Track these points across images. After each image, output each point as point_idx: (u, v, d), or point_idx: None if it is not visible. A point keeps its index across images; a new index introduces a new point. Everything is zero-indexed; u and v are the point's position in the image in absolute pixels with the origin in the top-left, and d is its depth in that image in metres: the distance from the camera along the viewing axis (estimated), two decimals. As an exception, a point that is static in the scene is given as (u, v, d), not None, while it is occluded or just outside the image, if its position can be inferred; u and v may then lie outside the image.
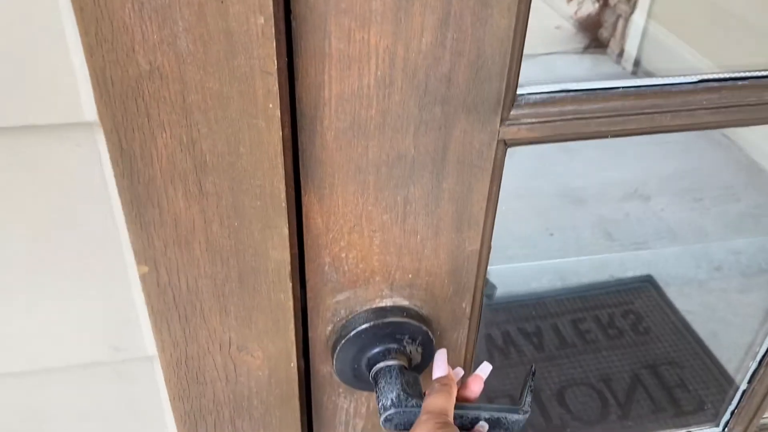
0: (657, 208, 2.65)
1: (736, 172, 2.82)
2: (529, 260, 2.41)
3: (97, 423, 0.74)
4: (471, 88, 0.62)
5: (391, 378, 0.72)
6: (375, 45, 0.59)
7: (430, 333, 0.75)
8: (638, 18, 3.14)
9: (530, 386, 0.72)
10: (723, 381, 2.11)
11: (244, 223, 0.61)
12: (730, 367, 2.16)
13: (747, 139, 2.80)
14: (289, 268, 0.65)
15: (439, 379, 0.72)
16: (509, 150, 0.69)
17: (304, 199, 0.66)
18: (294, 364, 0.71)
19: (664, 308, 2.35)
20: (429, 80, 0.61)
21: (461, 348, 0.81)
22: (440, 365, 0.74)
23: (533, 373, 0.73)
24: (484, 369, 0.76)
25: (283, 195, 0.60)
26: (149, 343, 0.68)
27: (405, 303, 0.75)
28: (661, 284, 2.46)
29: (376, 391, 0.72)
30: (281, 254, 0.64)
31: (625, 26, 3.22)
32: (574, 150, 2.66)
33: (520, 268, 2.39)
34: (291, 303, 0.67)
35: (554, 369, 2.12)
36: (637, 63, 2.98)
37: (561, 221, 2.52)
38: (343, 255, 0.70)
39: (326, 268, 0.71)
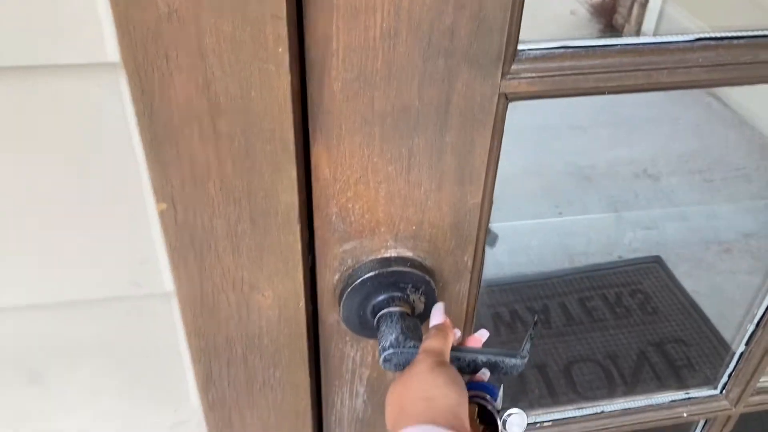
0: (667, 189, 2.65)
1: (748, 153, 2.81)
2: (537, 236, 2.42)
3: (118, 357, 0.78)
4: (473, 42, 0.65)
5: (392, 322, 0.75)
6: (381, -3, 0.61)
7: (432, 283, 0.78)
8: (653, 2, 3.12)
9: (531, 334, 0.75)
10: (729, 360, 2.12)
11: (256, 166, 0.64)
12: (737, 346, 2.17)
13: (762, 117, 2.77)
14: (297, 211, 0.67)
15: (435, 325, 0.75)
16: (514, 114, 0.71)
17: (313, 149, 0.69)
18: (302, 304, 0.74)
19: (672, 288, 2.36)
20: (432, 32, 0.64)
21: (463, 301, 0.84)
22: (438, 315, 0.76)
23: (535, 323, 0.76)
24: (482, 333, 0.78)
25: (292, 139, 0.63)
26: (167, 280, 0.71)
27: (409, 254, 0.78)
28: (670, 265, 2.46)
29: (378, 335, 0.75)
30: (290, 197, 0.66)
31: (641, 11, 3.20)
32: (584, 128, 2.66)
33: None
34: (299, 245, 0.69)
35: (561, 345, 2.14)
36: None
37: (570, 200, 2.53)
38: (350, 205, 0.73)
39: (333, 218, 0.74)
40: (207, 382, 0.78)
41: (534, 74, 0.69)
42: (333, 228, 0.74)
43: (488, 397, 0.75)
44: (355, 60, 0.64)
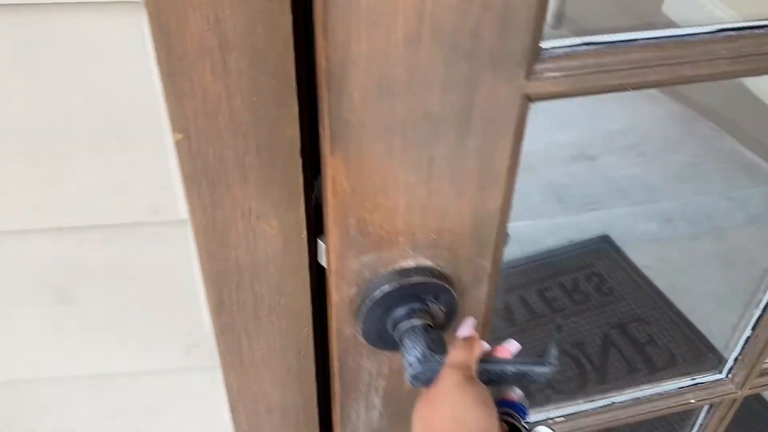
0: (605, 166, 2.69)
1: (672, 124, 2.89)
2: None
3: (138, 281, 0.82)
4: (497, 43, 0.62)
5: (416, 337, 0.72)
6: (403, 0, 0.58)
7: (453, 292, 0.76)
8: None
9: (557, 339, 0.73)
10: (688, 332, 2.17)
11: (261, 100, 0.65)
12: (693, 316, 2.23)
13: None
14: (299, 145, 0.69)
15: (462, 337, 0.73)
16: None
17: (331, 161, 0.66)
18: (304, 235, 0.76)
19: (624, 266, 2.39)
20: (456, 36, 0.61)
21: (481, 305, 0.82)
22: (466, 329, 0.74)
23: (559, 328, 0.74)
24: (512, 344, 0.76)
25: (293, 75, 0.64)
26: (183, 208, 0.74)
27: (428, 263, 0.75)
28: (618, 242, 2.49)
29: (402, 351, 0.73)
30: (292, 131, 0.68)
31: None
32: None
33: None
34: (300, 178, 0.72)
35: (528, 342, 2.14)
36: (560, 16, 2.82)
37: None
38: (368, 217, 0.70)
39: (351, 230, 0.70)
40: (218, 306, 0.80)
41: (558, 73, 0.66)
42: (350, 241, 0.71)
43: (517, 415, 0.73)
44: (376, 67, 0.61)
